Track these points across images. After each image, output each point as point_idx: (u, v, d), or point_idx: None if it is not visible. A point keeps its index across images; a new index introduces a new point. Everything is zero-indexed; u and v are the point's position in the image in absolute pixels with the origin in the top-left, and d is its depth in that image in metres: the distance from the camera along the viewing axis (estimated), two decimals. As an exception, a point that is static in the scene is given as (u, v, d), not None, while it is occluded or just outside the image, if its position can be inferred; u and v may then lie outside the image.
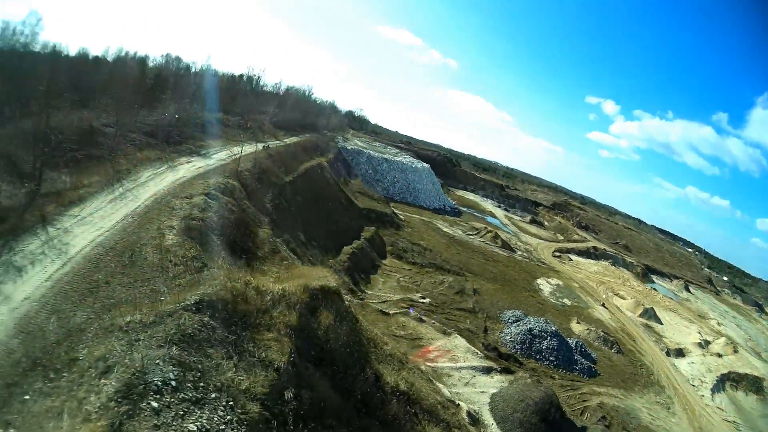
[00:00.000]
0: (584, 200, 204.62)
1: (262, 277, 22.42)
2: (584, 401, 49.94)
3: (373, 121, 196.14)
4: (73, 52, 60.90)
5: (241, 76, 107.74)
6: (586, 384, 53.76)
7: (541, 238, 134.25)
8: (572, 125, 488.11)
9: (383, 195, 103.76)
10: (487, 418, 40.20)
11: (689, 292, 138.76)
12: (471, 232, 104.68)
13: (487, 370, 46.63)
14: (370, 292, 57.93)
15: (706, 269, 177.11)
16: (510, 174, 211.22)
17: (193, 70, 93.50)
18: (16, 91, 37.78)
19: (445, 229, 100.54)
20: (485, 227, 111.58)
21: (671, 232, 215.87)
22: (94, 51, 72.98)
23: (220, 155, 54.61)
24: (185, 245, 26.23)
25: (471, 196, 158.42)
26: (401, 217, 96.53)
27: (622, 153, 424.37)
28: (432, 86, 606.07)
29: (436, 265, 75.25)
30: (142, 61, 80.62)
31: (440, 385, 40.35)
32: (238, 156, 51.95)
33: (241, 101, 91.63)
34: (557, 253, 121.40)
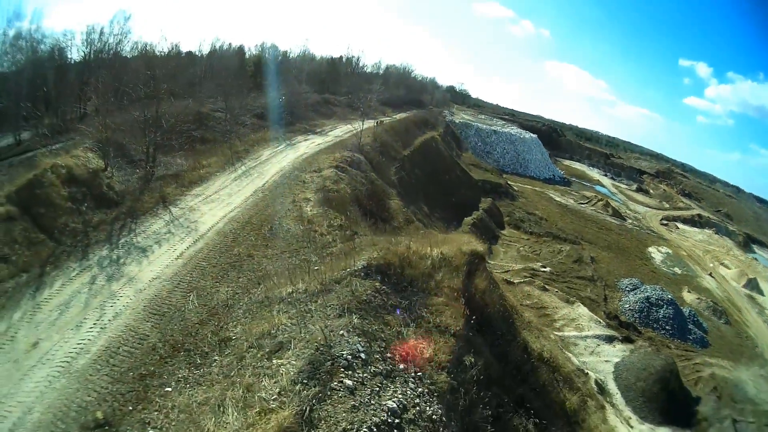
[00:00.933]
0: (684, 168, 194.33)
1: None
2: (698, 372, 47.86)
3: (473, 96, 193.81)
4: (165, 48, 60.41)
5: (341, 58, 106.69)
6: (698, 354, 51.68)
7: (648, 206, 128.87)
8: (668, 91, 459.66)
9: (494, 167, 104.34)
10: (612, 387, 39.77)
11: None
12: (582, 201, 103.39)
13: (610, 339, 45.66)
14: (492, 262, 56.95)
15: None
16: (612, 143, 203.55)
17: (290, 56, 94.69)
18: (116, 83, 37.39)
19: (557, 199, 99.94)
20: (596, 196, 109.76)
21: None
22: (186, 47, 76.11)
23: (336, 132, 56.97)
24: (328, 215, 25.75)
25: (577, 166, 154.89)
26: (514, 187, 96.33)
27: (717, 119, 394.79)
28: (527, 57, 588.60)
29: (552, 234, 74.33)
30: (240, 50, 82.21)
31: (569, 354, 40.46)
32: (359, 131, 52.86)
33: (345, 81, 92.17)
34: (664, 221, 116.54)
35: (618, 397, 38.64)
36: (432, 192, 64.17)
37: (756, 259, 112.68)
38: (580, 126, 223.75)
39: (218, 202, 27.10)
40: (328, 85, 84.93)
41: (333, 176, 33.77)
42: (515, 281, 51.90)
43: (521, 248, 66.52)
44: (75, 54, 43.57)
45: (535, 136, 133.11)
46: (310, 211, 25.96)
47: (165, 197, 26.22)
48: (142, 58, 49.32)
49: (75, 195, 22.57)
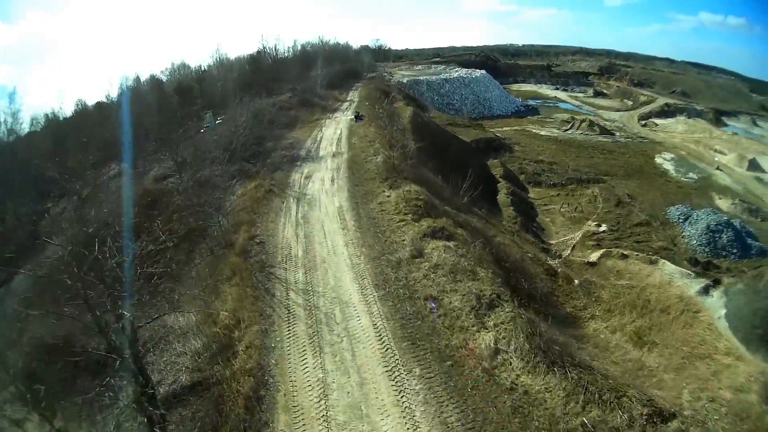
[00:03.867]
0: (620, 56, 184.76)
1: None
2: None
3: (393, 49, 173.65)
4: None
5: (259, 52, 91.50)
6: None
7: (617, 110, 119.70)
8: None
9: (464, 117, 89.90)
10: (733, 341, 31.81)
11: (758, 125, 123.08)
12: (566, 128, 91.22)
13: (705, 290, 38.05)
14: (553, 242, 47.98)
15: (753, 95, 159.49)
16: (542, 52, 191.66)
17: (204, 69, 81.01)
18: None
19: (541, 133, 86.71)
20: (571, 117, 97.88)
21: (700, 62, 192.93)
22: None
23: (324, 150, 42.66)
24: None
25: (526, 87, 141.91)
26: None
27: None
28: None
29: (573, 179, 63.98)
30: (155, 81, 72.03)
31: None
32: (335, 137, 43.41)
33: (276, 75, 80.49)
34: (642, 122, 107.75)
35: (744, 351, 30.25)
36: (443, 172, 51.70)
37: (736, 133, 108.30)
38: (497, 44, 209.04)
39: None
40: (257, 85, 67.31)
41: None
42: (593, 259, 43.23)
43: (560, 209, 56.12)
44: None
45: (484, 72, 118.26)
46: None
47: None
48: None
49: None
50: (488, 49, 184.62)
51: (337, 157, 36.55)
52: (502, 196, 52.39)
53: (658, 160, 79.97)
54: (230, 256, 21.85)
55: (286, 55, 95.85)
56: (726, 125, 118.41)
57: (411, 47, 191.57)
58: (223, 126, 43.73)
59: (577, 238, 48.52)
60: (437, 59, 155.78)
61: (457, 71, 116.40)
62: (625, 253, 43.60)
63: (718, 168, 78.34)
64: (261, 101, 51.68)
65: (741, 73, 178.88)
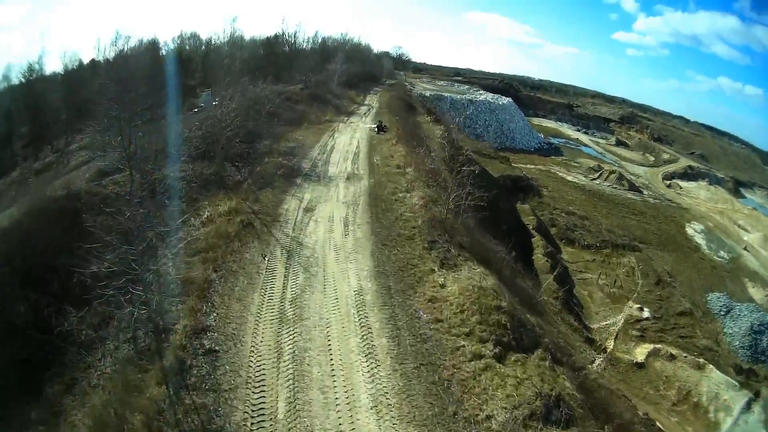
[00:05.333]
0: (632, 105, 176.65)
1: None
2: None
3: (414, 60, 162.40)
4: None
5: (276, 36, 79.32)
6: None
7: (636, 163, 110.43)
8: (595, 28, 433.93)
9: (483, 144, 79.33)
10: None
11: None
12: (592, 176, 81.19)
13: (748, 405, 36.09)
14: (595, 326, 41.04)
15: (767, 168, 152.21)
16: (561, 90, 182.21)
17: (214, 42, 69.97)
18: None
19: (568, 178, 76.87)
20: (598, 165, 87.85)
21: (714, 126, 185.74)
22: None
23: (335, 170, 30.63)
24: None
25: (547, 123, 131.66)
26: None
27: (650, 50, 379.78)
28: (447, 10, 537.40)
29: (608, 242, 54.73)
30: (153, 45, 60.35)
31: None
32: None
33: (290, 64, 69.25)
34: (667, 182, 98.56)
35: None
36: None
37: (755, 208, 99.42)
38: (514, 74, 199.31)
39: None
40: (270, 72, 56.53)
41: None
42: (641, 358, 38.23)
43: (598, 280, 47.91)
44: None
45: (510, 100, 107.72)
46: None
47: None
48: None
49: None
50: (507, 78, 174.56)
51: (354, 183, 25.42)
52: (539, 258, 42.86)
53: (689, 231, 71.95)
54: (146, 389, 10.63)
55: (304, 45, 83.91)
56: (744, 197, 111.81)
57: (429, 62, 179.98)
58: (214, 110, 32.18)
59: (620, 324, 42.51)
60: (459, 78, 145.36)
61: (482, 94, 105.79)
62: (673, 352, 39.63)
63: (745, 248, 71.39)
64: (263, 86, 40.13)
65: (752, 143, 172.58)
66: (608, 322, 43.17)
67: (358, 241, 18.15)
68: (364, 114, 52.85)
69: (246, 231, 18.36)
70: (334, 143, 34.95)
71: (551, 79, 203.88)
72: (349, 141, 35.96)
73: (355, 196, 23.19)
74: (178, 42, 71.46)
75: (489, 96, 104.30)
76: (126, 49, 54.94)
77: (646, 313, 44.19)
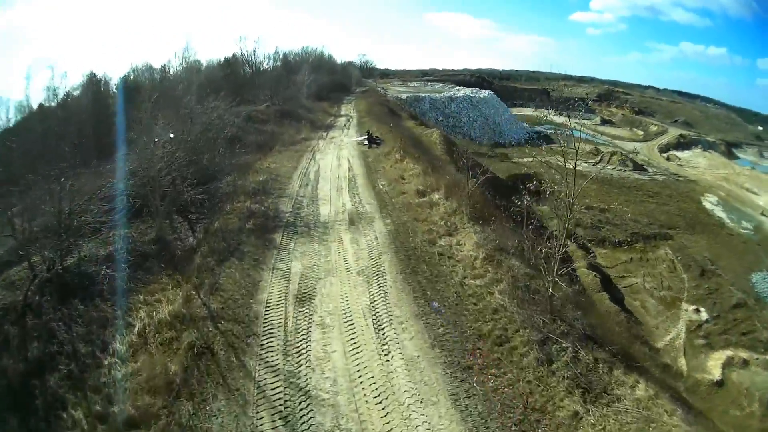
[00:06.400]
0: (601, 82, 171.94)
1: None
2: None
3: (379, 67, 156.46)
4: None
5: (235, 56, 69.91)
6: None
7: (629, 140, 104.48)
8: (552, 12, 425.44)
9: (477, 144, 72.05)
10: None
11: (765, 158, 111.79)
12: (594, 161, 74.17)
13: None
14: (661, 344, 32.37)
15: (749, 126, 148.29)
16: (532, 77, 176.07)
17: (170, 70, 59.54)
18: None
19: (570, 166, 69.84)
20: (596, 149, 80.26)
21: (686, 91, 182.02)
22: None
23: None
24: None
25: (527, 112, 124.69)
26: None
27: (610, 26, 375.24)
28: (405, 16, 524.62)
29: (637, 235, 47.99)
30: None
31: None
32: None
33: (251, 83, 61.14)
34: (664, 155, 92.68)
35: None
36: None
37: (754, 168, 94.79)
38: (473, 68, 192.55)
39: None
40: (228, 91, 48.06)
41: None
42: (718, 375, 30.64)
43: (644, 284, 40.45)
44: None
45: (491, 92, 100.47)
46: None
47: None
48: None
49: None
50: (474, 73, 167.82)
51: (363, 229, 17.02)
52: (585, 273, 34.47)
53: (707, 205, 65.47)
54: None
55: (266, 63, 75.17)
56: (738, 157, 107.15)
57: (394, 68, 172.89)
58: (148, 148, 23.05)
59: (683, 336, 35.03)
60: (429, 78, 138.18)
61: (461, 90, 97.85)
62: (744, 357, 33.39)
63: (762, 214, 65.82)
64: (216, 105, 31.20)
65: (724, 102, 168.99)
66: (671, 335, 35.91)
67: (412, 369, 9.63)
68: (345, 126, 44.87)
69: (201, 368, 9.90)
70: (318, 168, 26.69)
71: (518, 69, 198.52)
72: (336, 162, 27.78)
73: (373, 255, 14.75)
74: (130, 74, 62.58)
75: (468, 91, 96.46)
76: (63, 89, 45.86)
77: (704, 315, 37.63)
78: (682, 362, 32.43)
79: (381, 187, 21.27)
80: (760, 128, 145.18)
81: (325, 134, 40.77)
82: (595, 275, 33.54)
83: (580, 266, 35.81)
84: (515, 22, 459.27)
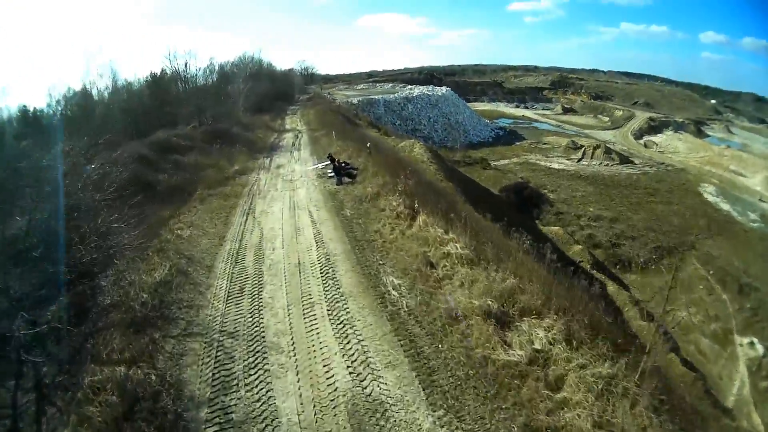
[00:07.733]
0: (544, 70, 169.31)
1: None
2: None
3: (321, 72, 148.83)
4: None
5: (164, 72, 58.62)
6: None
7: (599, 128, 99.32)
8: (489, 3, 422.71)
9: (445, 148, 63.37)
10: None
11: (733, 133, 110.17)
12: (576, 156, 67.10)
13: None
14: (731, 398, 27.02)
15: (705, 101, 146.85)
16: (480, 71, 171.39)
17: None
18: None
19: (554, 166, 62.10)
20: (573, 142, 73.32)
21: (630, 71, 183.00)
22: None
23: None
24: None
25: (484, 106, 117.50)
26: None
27: (548, 13, 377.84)
28: (339, 21, 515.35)
29: (660, 249, 41.14)
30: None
31: None
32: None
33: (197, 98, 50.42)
34: (641, 141, 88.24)
35: None
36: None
37: (729, 146, 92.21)
38: (414, 67, 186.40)
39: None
40: (156, 114, 37.66)
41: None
42: None
43: (692, 319, 33.73)
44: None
45: (449, 89, 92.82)
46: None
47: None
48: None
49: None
50: (415, 71, 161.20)
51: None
52: (633, 316, 26.70)
53: (708, 198, 61.00)
54: None
55: (199, 76, 63.78)
56: (708, 135, 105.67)
57: (332, 72, 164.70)
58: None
59: (747, 382, 29.56)
60: (373, 80, 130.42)
61: (417, 89, 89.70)
62: None
63: (761, 200, 63.17)
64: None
65: (672, 79, 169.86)
66: (737, 384, 29.51)
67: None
68: (293, 146, 35.30)
69: None
70: (261, 239, 16.00)
71: (460, 63, 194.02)
72: (291, 222, 17.18)
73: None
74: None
75: (424, 89, 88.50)
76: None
77: (759, 348, 32.50)
78: (756, 419, 26.22)
79: (400, 300, 10.96)
80: (713, 101, 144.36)
81: (268, 161, 30.86)
82: (657, 328, 25.00)
83: (629, 311, 27.49)
84: (451, 17, 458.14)
